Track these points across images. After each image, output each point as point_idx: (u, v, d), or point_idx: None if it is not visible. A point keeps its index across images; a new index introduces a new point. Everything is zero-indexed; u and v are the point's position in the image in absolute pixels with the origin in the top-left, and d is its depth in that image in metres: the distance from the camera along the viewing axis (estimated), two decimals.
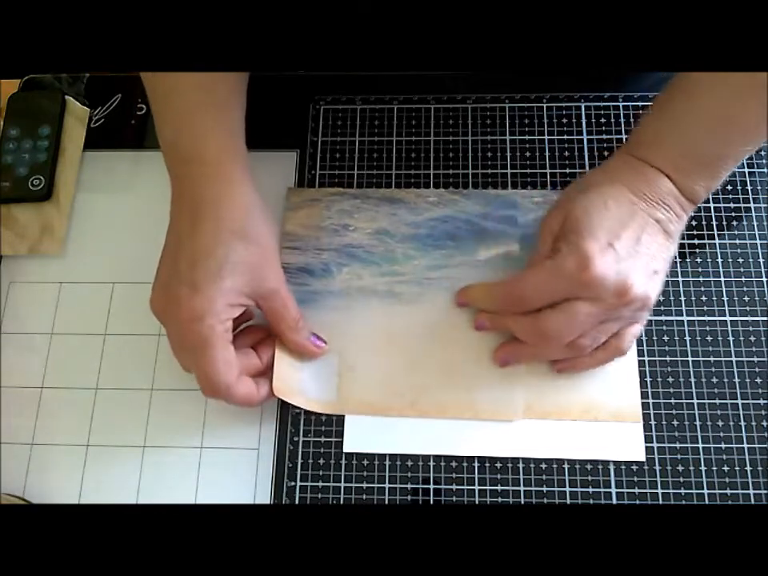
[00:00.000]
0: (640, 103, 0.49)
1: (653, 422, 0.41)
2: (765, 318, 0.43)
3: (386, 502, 0.41)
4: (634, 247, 0.38)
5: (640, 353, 0.43)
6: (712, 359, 0.43)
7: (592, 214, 0.38)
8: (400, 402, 0.42)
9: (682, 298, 0.44)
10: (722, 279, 0.44)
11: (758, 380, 0.42)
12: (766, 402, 0.41)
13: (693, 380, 0.42)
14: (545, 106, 0.50)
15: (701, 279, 0.44)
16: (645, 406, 0.42)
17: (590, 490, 0.40)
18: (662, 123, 0.39)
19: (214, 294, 0.37)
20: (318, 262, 0.46)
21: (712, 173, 0.39)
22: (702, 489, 0.40)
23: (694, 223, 0.46)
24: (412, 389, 0.42)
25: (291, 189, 0.48)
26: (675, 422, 0.41)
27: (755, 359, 0.42)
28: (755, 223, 0.45)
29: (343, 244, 0.46)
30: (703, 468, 0.40)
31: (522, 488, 0.41)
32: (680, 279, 0.44)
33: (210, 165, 0.39)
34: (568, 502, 0.40)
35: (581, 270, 0.37)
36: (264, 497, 0.41)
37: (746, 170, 0.47)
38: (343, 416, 0.42)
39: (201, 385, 0.38)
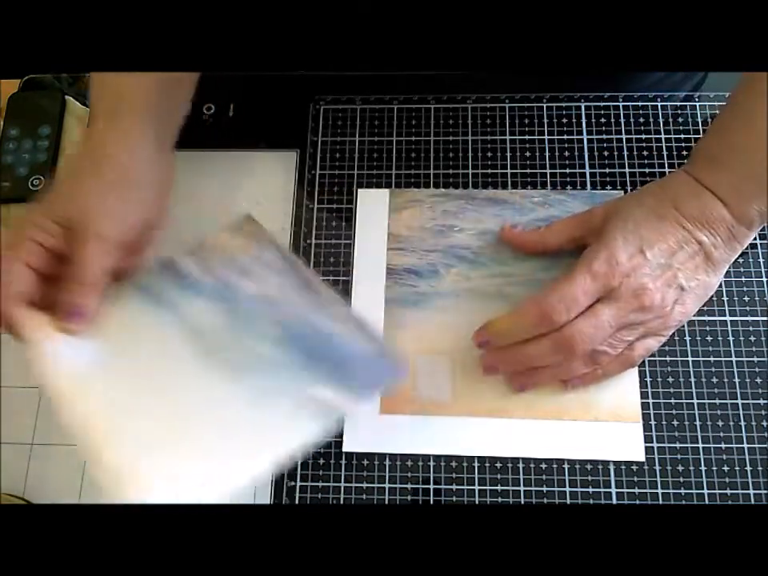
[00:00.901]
0: (640, 103, 0.49)
1: (653, 422, 0.41)
2: (765, 318, 0.43)
3: (386, 501, 0.41)
4: (666, 259, 0.38)
5: None
6: (712, 359, 0.43)
7: (629, 222, 0.39)
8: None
9: None
10: (722, 279, 0.44)
11: (758, 380, 0.42)
12: (766, 402, 0.41)
13: (693, 380, 0.42)
14: (545, 105, 0.50)
15: None
16: (645, 405, 0.42)
17: (590, 489, 0.40)
18: (722, 146, 0.39)
19: (38, 209, 0.38)
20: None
21: None
22: (702, 489, 0.40)
23: None
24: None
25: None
26: (675, 422, 0.41)
27: (755, 359, 0.42)
28: None
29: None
30: (703, 468, 0.40)
31: (521, 488, 0.41)
32: None
33: (117, 113, 0.40)
34: (568, 501, 0.40)
35: (609, 271, 0.38)
36: (264, 497, 0.41)
37: None
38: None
39: None
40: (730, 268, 0.44)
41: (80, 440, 0.36)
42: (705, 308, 0.44)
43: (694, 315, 0.43)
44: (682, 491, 0.40)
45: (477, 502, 0.41)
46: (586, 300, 0.38)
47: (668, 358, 0.43)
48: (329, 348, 0.39)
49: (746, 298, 0.44)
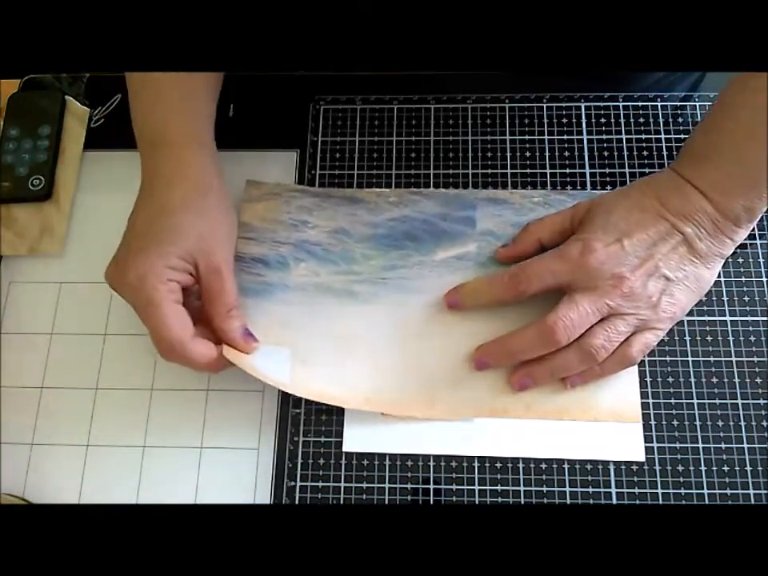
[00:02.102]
0: (640, 103, 0.49)
1: (653, 422, 0.41)
2: (765, 318, 0.43)
3: (386, 502, 0.41)
4: (645, 249, 0.39)
5: None
6: (712, 359, 0.43)
7: (612, 214, 0.40)
8: (355, 397, 0.42)
9: None
10: (722, 279, 0.44)
11: (758, 380, 0.42)
12: (766, 402, 0.41)
13: (693, 380, 0.42)
14: (545, 105, 0.50)
15: None
16: (645, 405, 0.42)
17: (590, 489, 0.40)
18: (707, 143, 0.40)
19: (155, 256, 0.38)
20: (275, 254, 0.46)
21: (755, 193, 0.38)
22: (702, 489, 0.40)
23: None
24: (366, 385, 0.42)
25: (250, 181, 0.48)
26: (675, 422, 0.41)
27: (755, 359, 0.42)
28: (755, 223, 0.45)
29: (301, 240, 0.46)
30: (703, 468, 0.40)
31: (521, 488, 0.41)
32: None
33: (168, 147, 0.42)
34: (568, 501, 0.40)
35: (581, 256, 0.39)
36: (264, 497, 0.41)
37: None
38: (343, 416, 0.42)
39: (157, 347, 0.38)
40: (729, 268, 0.44)
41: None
42: (705, 308, 0.44)
43: (695, 315, 0.43)
44: (682, 491, 0.40)
45: (477, 502, 0.41)
46: (551, 278, 0.40)
47: (668, 358, 0.43)
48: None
49: (746, 298, 0.44)
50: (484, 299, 0.43)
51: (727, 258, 0.42)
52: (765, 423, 0.41)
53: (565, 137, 0.49)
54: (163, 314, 0.37)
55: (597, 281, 0.39)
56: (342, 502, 0.41)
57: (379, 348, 0.43)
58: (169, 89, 0.43)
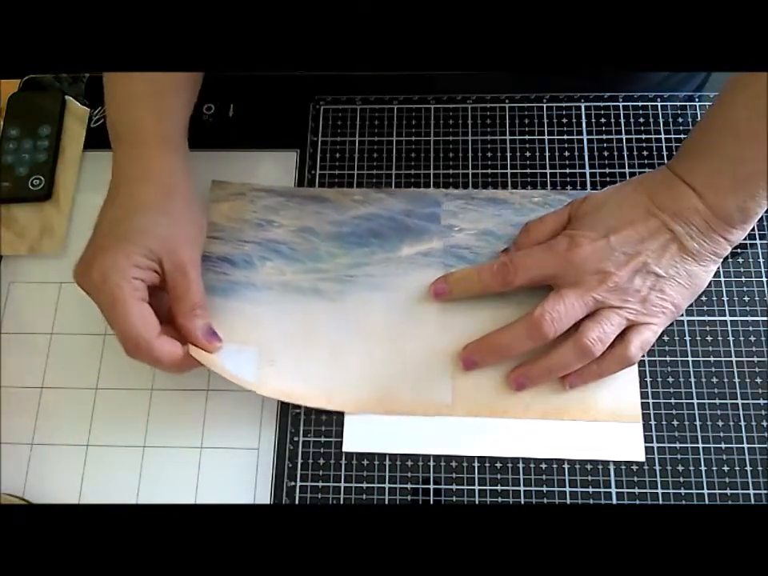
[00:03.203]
0: (640, 103, 0.49)
1: (653, 422, 0.41)
2: (765, 318, 0.43)
3: (386, 501, 0.41)
4: (633, 246, 0.39)
5: None
6: (712, 359, 0.43)
7: (602, 210, 0.41)
8: (317, 396, 0.42)
9: None
10: (722, 279, 0.44)
11: (758, 380, 0.42)
12: (766, 402, 0.41)
13: (693, 380, 0.42)
14: (545, 105, 0.50)
15: None
16: (645, 405, 0.42)
17: (590, 489, 0.40)
18: (701, 141, 0.40)
19: (118, 254, 0.38)
20: (241, 253, 0.46)
21: (747, 192, 0.38)
22: (702, 489, 0.40)
23: None
24: (332, 383, 0.42)
25: (216, 182, 0.48)
26: (675, 422, 0.41)
27: (755, 359, 0.42)
28: (755, 223, 0.45)
29: (267, 239, 0.46)
30: (703, 468, 0.40)
31: (521, 488, 0.41)
32: None
33: (135, 146, 0.42)
34: (568, 501, 0.40)
35: (568, 250, 0.40)
36: (264, 497, 0.41)
37: None
38: (343, 416, 0.42)
39: (122, 345, 0.38)
40: (729, 268, 0.44)
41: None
42: (705, 308, 0.44)
43: (695, 315, 0.43)
44: (682, 491, 0.40)
45: (477, 502, 0.41)
46: (538, 270, 0.40)
47: (668, 358, 0.43)
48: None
49: (746, 298, 0.44)
50: (472, 288, 0.43)
51: (727, 258, 0.42)
52: (765, 423, 0.41)
53: (565, 137, 0.49)
54: (127, 312, 0.37)
55: (583, 275, 0.39)
56: (342, 501, 0.41)
57: (343, 346, 0.43)
58: (140, 88, 0.42)
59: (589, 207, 0.41)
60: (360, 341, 0.43)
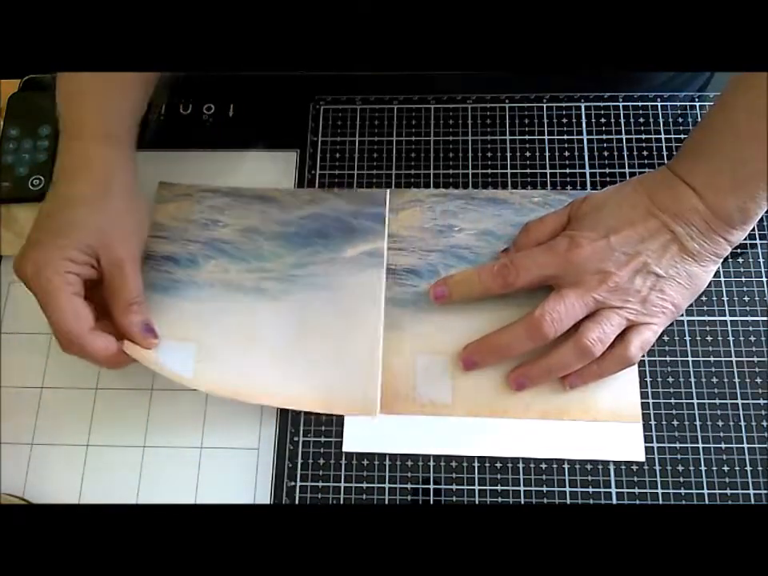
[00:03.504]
0: (640, 103, 0.49)
1: (653, 422, 0.41)
2: (765, 318, 0.43)
3: (386, 502, 0.41)
4: (633, 246, 0.39)
5: None
6: (712, 359, 0.43)
7: (602, 210, 0.41)
8: (253, 392, 0.42)
9: None
10: (722, 279, 0.44)
11: (758, 380, 0.42)
12: (766, 402, 0.41)
13: (693, 380, 0.42)
14: (545, 105, 0.50)
15: None
16: (645, 405, 0.42)
17: (590, 489, 0.40)
18: (702, 141, 0.40)
19: (51, 248, 0.38)
20: (185, 252, 0.46)
21: (747, 193, 0.38)
22: (702, 489, 0.40)
23: None
24: (272, 381, 0.42)
25: (162, 183, 0.49)
26: (675, 422, 0.41)
27: (755, 359, 0.42)
28: (755, 224, 0.45)
29: (212, 238, 0.47)
30: (703, 468, 0.40)
31: (521, 488, 0.41)
32: None
33: (77, 140, 0.42)
34: (568, 501, 0.40)
35: (568, 251, 0.40)
36: (264, 497, 0.41)
37: None
38: (343, 416, 0.42)
39: (56, 339, 0.38)
40: (729, 268, 0.44)
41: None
42: (705, 308, 0.44)
43: (695, 315, 0.43)
44: (682, 491, 0.40)
45: (477, 502, 0.41)
46: (538, 270, 0.40)
47: (668, 358, 0.43)
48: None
49: (746, 298, 0.44)
50: (472, 291, 0.42)
51: (727, 258, 0.42)
52: (765, 423, 0.41)
53: (565, 137, 0.49)
54: (58, 306, 0.37)
55: (583, 275, 0.39)
56: (342, 501, 0.41)
57: (285, 345, 0.43)
58: (87, 84, 0.42)
59: (589, 207, 0.41)
60: (302, 340, 0.43)
